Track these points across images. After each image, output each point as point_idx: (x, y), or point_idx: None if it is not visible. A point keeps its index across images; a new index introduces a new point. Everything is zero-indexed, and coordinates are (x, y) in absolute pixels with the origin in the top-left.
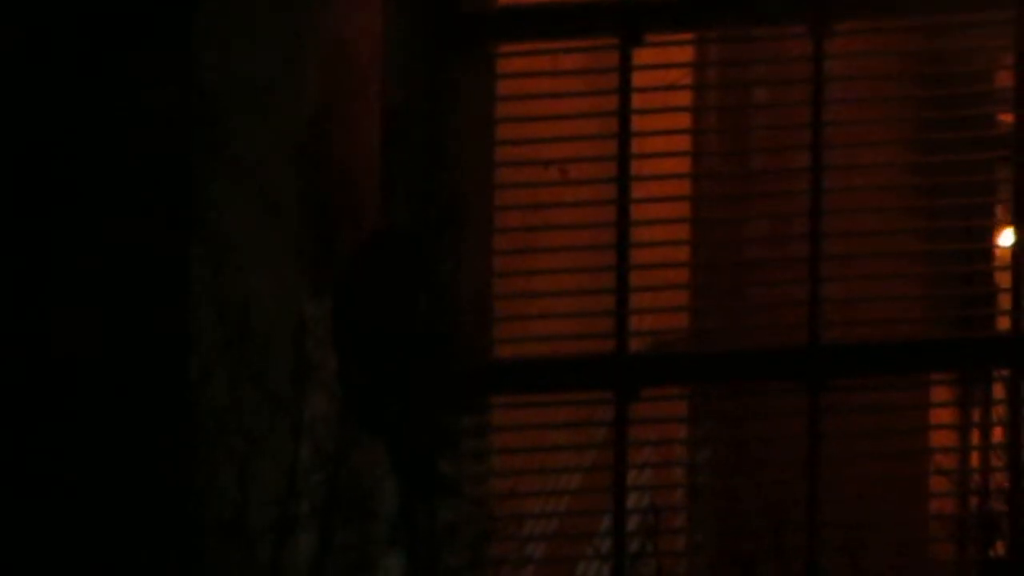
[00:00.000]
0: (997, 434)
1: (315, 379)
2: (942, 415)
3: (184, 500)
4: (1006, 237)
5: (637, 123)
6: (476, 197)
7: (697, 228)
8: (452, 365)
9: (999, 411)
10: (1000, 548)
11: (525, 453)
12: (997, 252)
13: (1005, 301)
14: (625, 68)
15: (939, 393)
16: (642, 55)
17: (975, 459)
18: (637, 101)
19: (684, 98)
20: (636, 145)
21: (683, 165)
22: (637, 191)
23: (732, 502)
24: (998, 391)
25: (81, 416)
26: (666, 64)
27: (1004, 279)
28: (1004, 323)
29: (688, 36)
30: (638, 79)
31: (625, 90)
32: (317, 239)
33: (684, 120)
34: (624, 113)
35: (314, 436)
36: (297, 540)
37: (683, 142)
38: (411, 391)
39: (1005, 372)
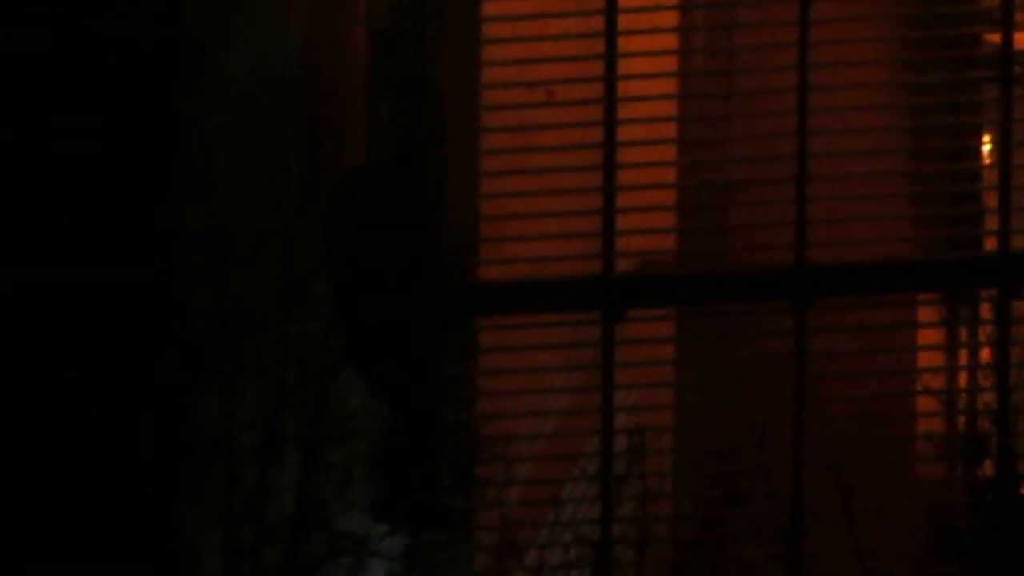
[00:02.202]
0: (985, 354)
1: (301, 300)
2: (929, 335)
3: (170, 420)
4: (993, 157)
5: (624, 44)
6: (462, 119)
7: (683, 149)
8: (439, 288)
9: (986, 331)
10: (988, 467)
11: (511, 375)
12: (984, 172)
13: (992, 221)
14: None
15: (926, 313)
16: None
17: (962, 379)
18: (624, 22)
19: (671, 18)
20: (623, 66)
21: (669, 86)
22: (624, 112)
23: (718, 422)
24: (985, 311)
25: (64, 338)
26: None
27: (991, 199)
28: (992, 243)
29: None
30: None
31: (611, 10)
32: (305, 161)
33: (671, 41)
34: (611, 34)
35: (300, 356)
36: (283, 460)
37: (669, 63)
38: (399, 315)
39: (992, 292)
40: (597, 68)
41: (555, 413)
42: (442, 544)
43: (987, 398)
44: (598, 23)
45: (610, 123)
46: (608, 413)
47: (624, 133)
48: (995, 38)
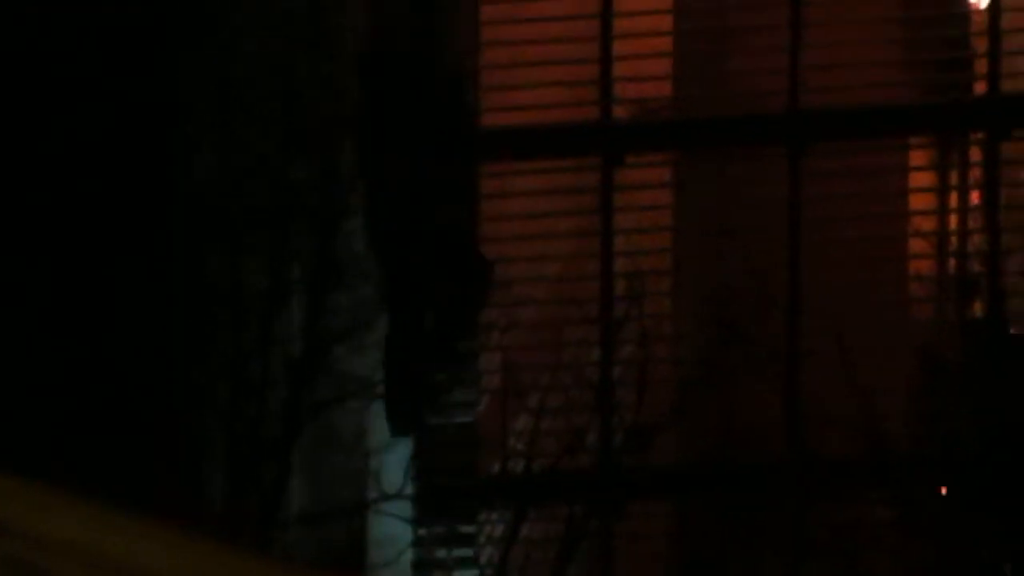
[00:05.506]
0: (975, 197)
1: (306, 146)
2: (920, 178)
3: (175, 272)
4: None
5: None
6: None
7: None
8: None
9: (976, 173)
10: (977, 308)
11: (513, 220)
12: (973, 16)
13: (981, 65)
14: None
15: (917, 157)
16: None
17: (953, 221)
18: None
19: None
20: None
21: None
22: None
23: (716, 266)
24: (975, 154)
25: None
26: None
27: (981, 43)
28: (981, 87)
29: None
30: None
31: None
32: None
33: None
34: None
35: (305, 204)
36: (290, 306)
37: None
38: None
39: (981, 135)
40: None
41: (556, 258)
42: (448, 387)
43: (977, 240)
44: None
45: None
46: (608, 257)
47: None
48: None
